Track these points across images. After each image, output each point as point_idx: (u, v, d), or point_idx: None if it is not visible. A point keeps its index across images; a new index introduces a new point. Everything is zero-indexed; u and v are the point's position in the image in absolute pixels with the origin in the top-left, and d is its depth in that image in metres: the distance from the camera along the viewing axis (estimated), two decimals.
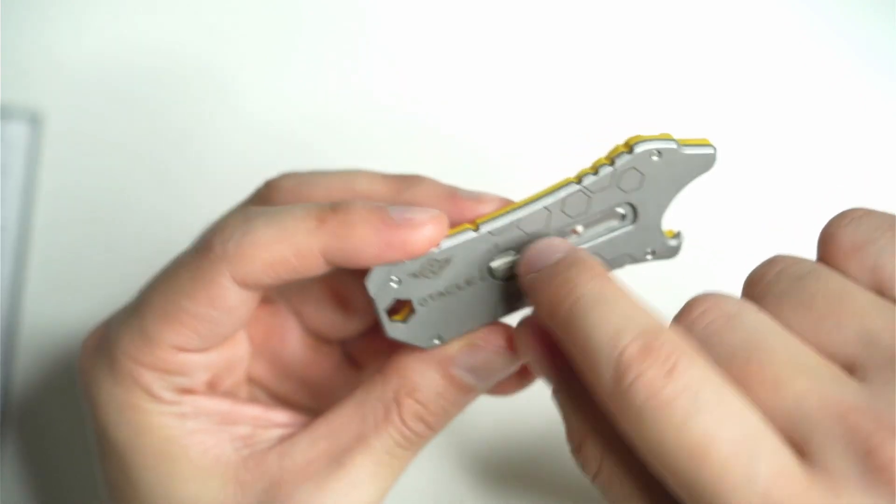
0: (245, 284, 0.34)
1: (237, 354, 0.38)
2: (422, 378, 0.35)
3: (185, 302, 0.35)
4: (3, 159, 0.52)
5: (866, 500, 0.26)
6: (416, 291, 0.34)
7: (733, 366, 0.28)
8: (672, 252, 0.36)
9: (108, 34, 0.54)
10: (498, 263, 0.35)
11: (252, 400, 0.38)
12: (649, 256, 0.36)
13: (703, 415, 0.26)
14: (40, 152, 0.53)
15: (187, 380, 0.36)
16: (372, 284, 0.34)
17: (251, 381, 0.40)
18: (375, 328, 0.39)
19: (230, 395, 0.38)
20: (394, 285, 0.34)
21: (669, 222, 0.36)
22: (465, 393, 0.36)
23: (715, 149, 0.34)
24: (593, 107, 0.53)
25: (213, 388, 0.37)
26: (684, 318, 0.29)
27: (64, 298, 0.52)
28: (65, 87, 0.53)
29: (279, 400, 0.40)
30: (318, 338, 0.41)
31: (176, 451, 0.35)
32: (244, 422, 0.36)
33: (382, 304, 0.34)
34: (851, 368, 0.28)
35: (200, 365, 0.36)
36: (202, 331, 0.35)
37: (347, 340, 0.41)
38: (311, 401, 0.40)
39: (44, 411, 0.51)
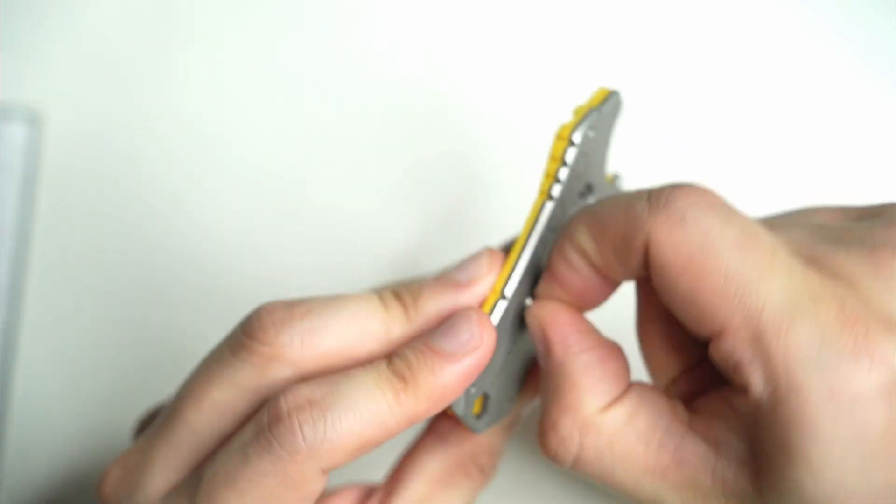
0: (331, 469, 0.33)
1: None
2: (496, 437, 0.37)
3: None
4: (3, 159, 0.52)
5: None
6: (486, 382, 0.35)
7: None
8: (612, 189, 0.37)
9: (109, 33, 0.54)
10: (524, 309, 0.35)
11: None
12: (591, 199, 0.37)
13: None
14: (40, 152, 0.53)
15: None
16: (458, 407, 0.34)
17: None
18: None
19: None
20: (471, 391, 0.34)
21: (612, 170, 0.37)
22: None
23: (617, 91, 0.35)
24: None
25: None
26: None
27: (64, 298, 0.52)
28: (65, 87, 0.53)
29: None
30: None
31: None
32: None
33: (469, 416, 0.35)
34: None
35: None
36: None
37: None
38: None
39: (44, 411, 0.51)
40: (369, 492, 0.37)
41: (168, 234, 0.52)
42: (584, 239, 0.33)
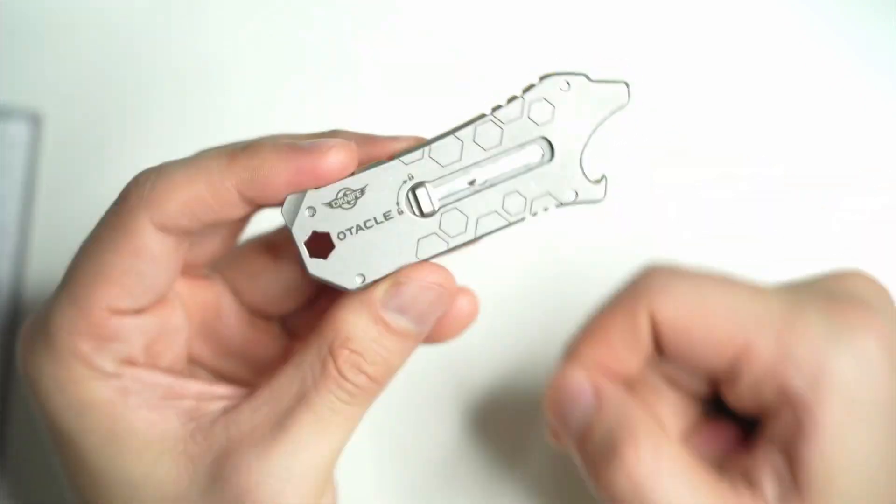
0: (164, 228, 0.34)
1: (172, 322, 0.37)
2: (353, 326, 0.34)
3: (110, 256, 0.34)
4: (3, 159, 0.52)
5: None
6: (334, 224, 0.34)
7: None
8: (596, 195, 0.35)
9: (109, 33, 0.54)
10: (417, 195, 0.34)
11: (194, 376, 0.37)
12: (570, 196, 0.35)
13: None
14: (40, 152, 0.53)
15: (125, 346, 0.35)
16: (286, 213, 0.34)
17: (192, 360, 0.39)
18: (314, 302, 0.40)
19: (171, 370, 0.37)
20: (308, 215, 0.34)
21: (600, 170, 0.36)
22: (403, 339, 0.35)
23: (628, 84, 0.34)
24: None
25: (152, 360, 0.36)
26: None
27: None
28: (65, 87, 0.53)
29: (221, 378, 0.39)
30: (257, 314, 0.40)
31: (122, 428, 0.34)
32: (187, 396, 0.35)
33: (301, 236, 0.34)
34: None
35: (135, 328, 0.35)
36: (131, 286, 0.34)
37: (286, 316, 0.41)
38: (253, 378, 0.39)
39: None
40: (251, 391, 0.36)
41: None
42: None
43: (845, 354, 0.36)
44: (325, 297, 0.40)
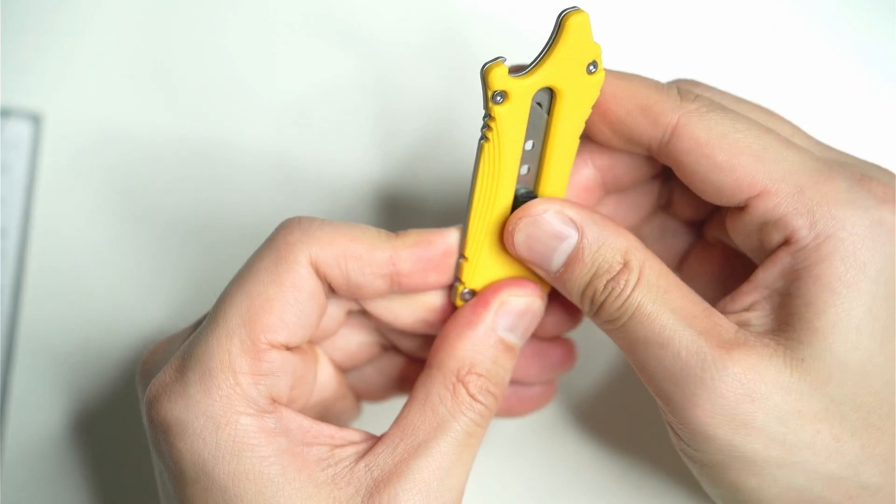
0: (317, 266, 0.36)
1: (310, 367, 0.39)
2: (475, 353, 0.37)
3: (271, 290, 0.35)
4: (4, 159, 0.52)
5: None
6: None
7: None
8: None
9: (109, 33, 0.54)
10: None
11: (322, 422, 0.38)
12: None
13: None
14: (40, 152, 0.53)
15: (276, 382, 0.35)
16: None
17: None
18: (383, 364, 0.43)
19: (305, 411, 0.38)
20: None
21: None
22: (513, 353, 0.38)
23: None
24: None
25: (292, 401, 0.37)
26: None
27: (64, 298, 0.52)
28: (65, 87, 0.53)
29: None
30: (336, 366, 0.42)
31: (275, 472, 0.35)
32: (322, 442, 0.36)
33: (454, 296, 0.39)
34: None
35: (287, 364, 0.36)
36: (289, 318, 0.35)
37: (357, 375, 0.44)
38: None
39: (43, 412, 0.51)
40: (375, 437, 0.37)
41: (168, 232, 0.52)
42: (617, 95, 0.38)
43: (862, 219, 0.35)
44: (394, 360, 0.44)
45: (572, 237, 0.37)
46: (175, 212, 0.52)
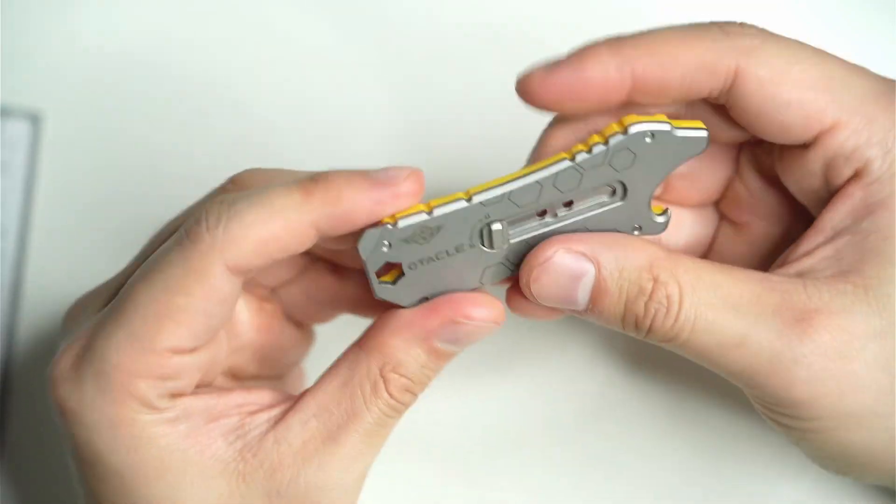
0: (238, 271, 0.34)
1: (221, 350, 0.37)
2: (406, 355, 0.36)
3: (180, 299, 0.34)
4: (3, 158, 0.52)
5: None
6: (406, 256, 0.35)
7: None
8: (659, 229, 0.36)
9: (108, 33, 0.54)
10: (490, 230, 0.35)
11: (230, 387, 0.38)
12: (635, 232, 0.36)
13: None
14: (40, 151, 0.53)
15: (179, 383, 0.35)
16: (363, 247, 0.34)
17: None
18: (312, 280, 0.40)
19: (210, 388, 0.37)
20: (385, 249, 0.35)
21: (663, 204, 0.37)
22: (446, 360, 0.36)
23: (707, 132, 0.35)
24: None
25: (198, 387, 0.37)
26: None
27: (63, 298, 0.52)
28: (65, 87, 0.53)
29: (236, 376, 0.40)
30: (259, 293, 0.40)
31: (176, 459, 0.34)
32: (230, 412, 0.36)
33: (373, 266, 0.35)
34: None
35: (193, 366, 0.35)
36: (197, 328, 0.34)
37: (285, 294, 0.41)
38: (262, 369, 0.40)
39: (43, 411, 0.51)
40: (291, 397, 0.37)
41: None
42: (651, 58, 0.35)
43: None
44: (324, 273, 0.41)
45: (589, 272, 0.35)
46: (176, 212, 0.52)
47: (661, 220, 0.36)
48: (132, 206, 0.52)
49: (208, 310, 0.34)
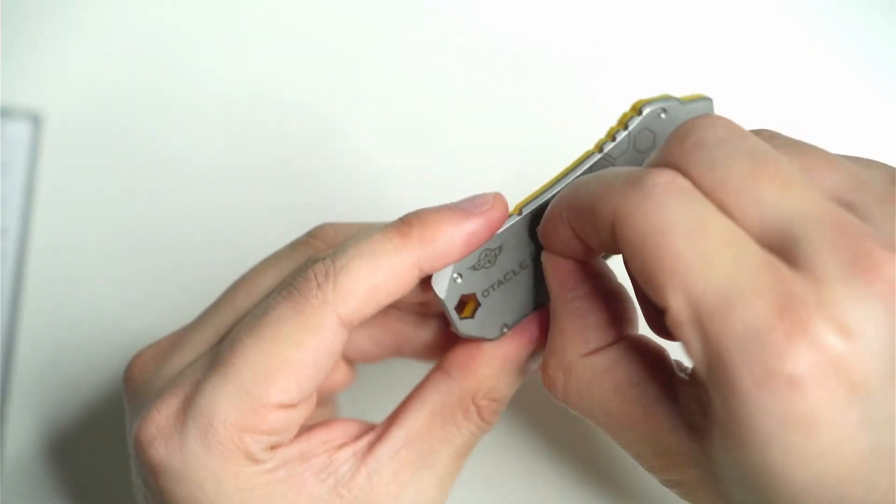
0: (349, 322, 0.35)
1: (313, 403, 0.38)
2: (499, 382, 0.37)
3: (292, 353, 0.34)
4: (4, 159, 0.52)
5: (852, 295, 0.28)
6: (478, 284, 0.36)
7: (735, 174, 0.30)
8: None
9: (109, 33, 0.54)
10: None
11: (311, 423, 0.38)
12: None
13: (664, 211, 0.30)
14: (40, 152, 0.53)
15: (284, 437, 0.35)
16: (439, 284, 0.36)
17: None
18: (378, 322, 0.41)
19: (300, 432, 0.38)
20: (458, 281, 0.36)
21: None
22: (527, 375, 0.38)
23: (711, 100, 0.37)
24: (599, 106, 0.53)
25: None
26: (678, 143, 0.31)
27: (64, 298, 0.52)
28: (65, 87, 0.53)
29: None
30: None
31: (276, 502, 0.35)
32: (317, 451, 0.36)
33: (451, 302, 0.36)
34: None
35: (297, 419, 0.35)
36: (306, 382, 0.35)
37: (352, 336, 0.42)
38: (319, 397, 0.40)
39: (43, 411, 0.51)
40: (371, 427, 0.37)
41: (168, 232, 0.52)
42: (566, 208, 0.34)
43: (748, 381, 0.29)
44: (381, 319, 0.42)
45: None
46: (176, 212, 0.52)
47: None
48: (132, 206, 0.52)
49: (318, 363, 0.35)
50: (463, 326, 0.36)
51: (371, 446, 0.36)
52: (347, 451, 0.36)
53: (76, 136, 0.53)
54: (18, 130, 0.52)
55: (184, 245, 0.52)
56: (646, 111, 0.36)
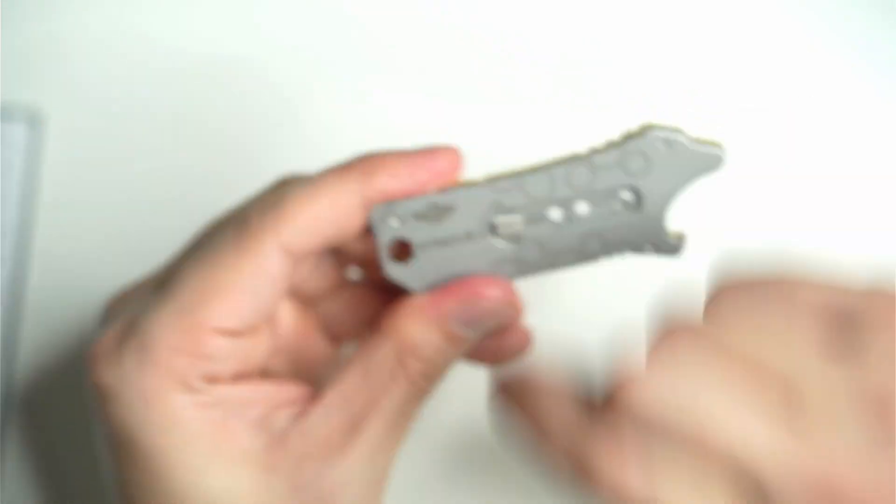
0: (290, 251, 0.34)
1: (261, 344, 0.37)
2: (421, 338, 0.36)
3: (231, 275, 0.34)
4: (4, 159, 0.52)
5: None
6: (417, 235, 0.35)
7: None
8: (674, 250, 0.36)
9: (109, 33, 0.54)
10: (501, 221, 0.35)
11: (262, 378, 0.37)
12: (650, 248, 0.36)
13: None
14: (41, 152, 0.53)
15: (218, 367, 0.35)
16: (374, 218, 0.35)
17: None
18: (352, 297, 0.40)
19: (244, 378, 0.37)
20: (394, 223, 0.35)
21: (676, 223, 0.36)
22: (463, 344, 0.36)
23: (723, 150, 0.35)
24: (596, 114, 0.53)
25: (238, 372, 0.37)
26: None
27: (65, 298, 0.52)
28: (65, 88, 0.53)
29: (266, 376, 0.40)
30: (302, 301, 0.40)
31: (205, 444, 0.34)
32: (257, 404, 0.36)
33: (384, 238, 0.35)
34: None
35: (234, 351, 0.35)
36: (244, 308, 0.34)
37: (325, 309, 0.41)
38: (294, 375, 0.40)
39: (46, 411, 0.51)
40: (315, 393, 0.37)
41: (168, 232, 0.52)
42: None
43: None
44: (365, 292, 0.40)
45: None
46: (176, 212, 0.52)
47: (676, 242, 0.36)
48: (133, 206, 0.52)
49: (257, 289, 0.34)
50: (391, 268, 0.36)
51: (305, 409, 0.36)
52: (287, 410, 0.36)
53: (77, 137, 0.53)
54: (18, 132, 0.52)
55: (183, 243, 0.52)
56: (647, 135, 0.34)
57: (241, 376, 0.36)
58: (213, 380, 0.35)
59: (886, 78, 0.53)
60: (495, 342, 0.38)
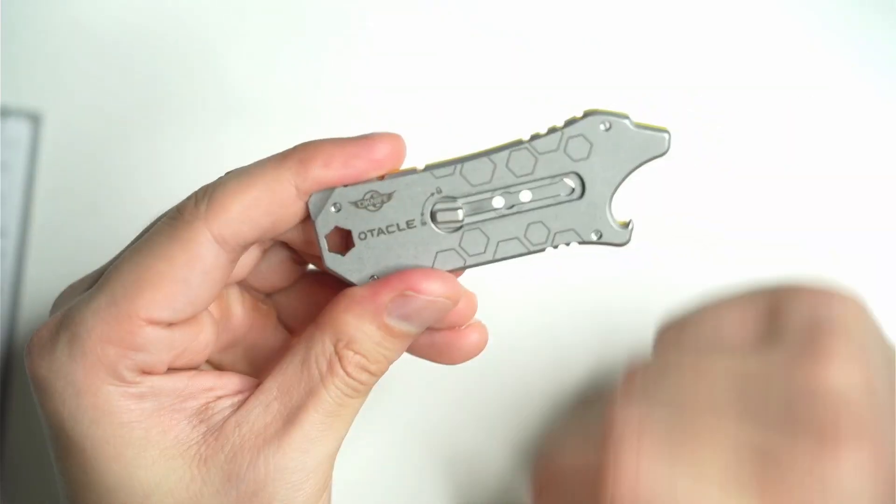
0: (223, 240, 0.34)
1: (200, 339, 0.37)
2: (357, 331, 0.35)
3: (162, 265, 0.33)
4: (3, 158, 0.52)
5: None
6: (357, 224, 0.35)
7: None
8: (620, 239, 0.35)
9: (109, 33, 0.54)
10: (440, 208, 0.35)
11: (202, 371, 0.37)
12: (594, 236, 0.35)
13: None
14: (40, 151, 0.53)
15: (151, 358, 0.34)
16: (312, 206, 0.34)
17: None
18: (307, 289, 0.40)
19: (183, 371, 0.36)
20: (333, 210, 0.35)
21: (627, 212, 0.36)
22: (403, 339, 0.36)
23: (669, 134, 0.34)
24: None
25: (176, 364, 0.36)
26: None
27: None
28: (65, 87, 0.53)
29: (220, 370, 0.39)
30: (255, 294, 0.40)
31: (137, 436, 0.34)
32: (197, 396, 0.35)
33: (323, 229, 0.35)
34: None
35: (167, 342, 0.34)
36: (175, 297, 0.34)
37: (281, 301, 0.40)
38: (251, 369, 0.39)
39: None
40: (257, 383, 0.36)
41: None
42: None
43: None
44: (319, 284, 0.40)
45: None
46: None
47: (621, 230, 0.35)
48: (132, 206, 0.52)
49: (189, 279, 0.34)
50: (329, 259, 0.35)
51: (246, 399, 0.35)
52: (227, 401, 0.35)
53: (76, 136, 0.53)
54: (18, 130, 0.52)
55: None
56: (588, 118, 0.34)
57: (178, 367, 0.36)
58: (145, 371, 0.34)
59: (886, 78, 0.53)
60: (447, 339, 0.37)
